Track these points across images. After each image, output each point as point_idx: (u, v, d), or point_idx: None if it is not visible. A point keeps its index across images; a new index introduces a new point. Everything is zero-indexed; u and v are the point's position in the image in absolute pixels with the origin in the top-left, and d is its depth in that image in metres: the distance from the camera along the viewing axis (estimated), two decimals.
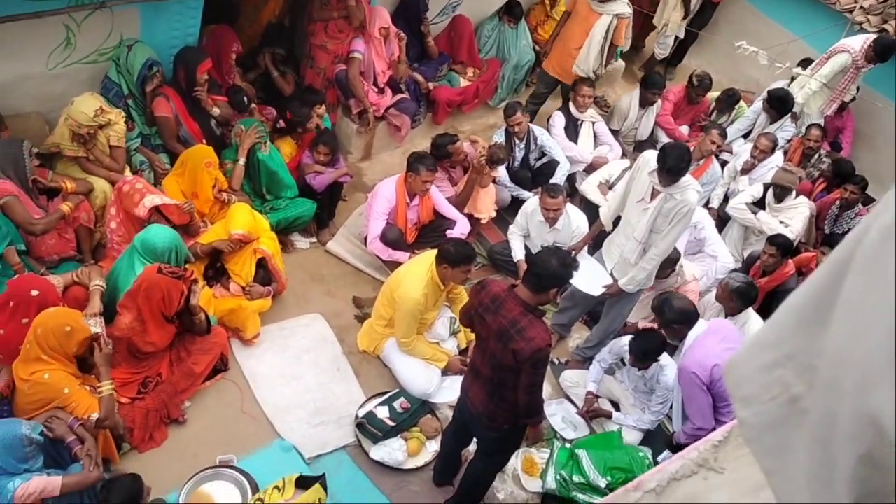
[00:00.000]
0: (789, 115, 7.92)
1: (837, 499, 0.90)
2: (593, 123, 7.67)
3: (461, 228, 6.28)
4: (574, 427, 5.61)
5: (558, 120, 7.53)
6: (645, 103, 7.91)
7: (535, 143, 7.14)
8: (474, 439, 4.75)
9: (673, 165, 4.84)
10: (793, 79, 8.03)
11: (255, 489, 4.40)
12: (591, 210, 6.42)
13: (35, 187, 5.20)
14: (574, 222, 6.23)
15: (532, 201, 6.40)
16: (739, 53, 7.32)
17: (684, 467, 1.56)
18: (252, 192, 6.21)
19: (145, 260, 4.89)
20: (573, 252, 5.74)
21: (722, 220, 7.23)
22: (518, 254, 6.39)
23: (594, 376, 5.71)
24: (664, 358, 5.39)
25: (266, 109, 6.65)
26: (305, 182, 6.33)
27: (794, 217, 6.81)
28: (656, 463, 5.14)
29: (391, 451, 5.09)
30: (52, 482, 3.90)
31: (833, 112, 8.02)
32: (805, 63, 8.21)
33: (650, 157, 5.06)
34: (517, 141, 7.06)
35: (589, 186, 6.91)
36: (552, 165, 7.15)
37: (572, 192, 7.13)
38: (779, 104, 7.81)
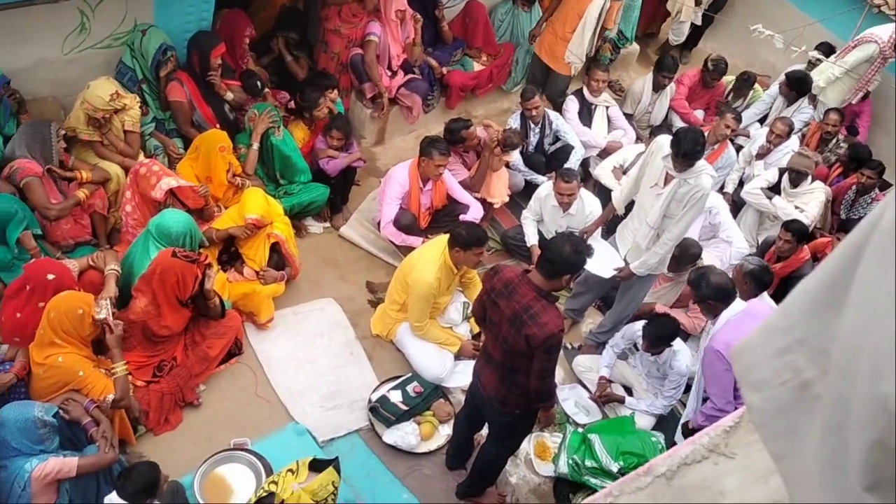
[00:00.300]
0: (807, 97, 7.86)
1: (849, 484, 0.90)
2: (607, 108, 7.63)
3: (474, 213, 6.28)
4: (587, 412, 5.62)
5: (572, 104, 7.49)
6: (657, 87, 7.86)
7: (549, 127, 7.11)
8: (486, 424, 4.76)
9: (688, 150, 4.80)
10: (810, 63, 7.96)
11: (269, 472, 4.43)
12: (604, 195, 6.39)
13: (51, 175, 5.24)
14: (588, 207, 6.21)
15: (546, 186, 6.38)
16: (755, 37, 7.23)
17: (695, 452, 1.56)
18: (266, 177, 6.22)
19: (160, 244, 4.92)
20: (585, 235, 5.73)
21: (736, 205, 7.18)
22: (531, 239, 6.38)
23: (607, 361, 5.71)
24: (677, 343, 5.38)
25: (279, 94, 6.64)
26: (319, 167, 6.33)
27: (809, 202, 6.76)
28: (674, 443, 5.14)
29: (404, 434, 5.12)
30: (68, 463, 3.95)
31: (858, 101, 7.94)
32: (822, 47, 8.13)
33: (664, 142, 5.02)
34: (532, 125, 7.03)
35: (603, 171, 6.88)
36: (566, 150, 7.11)
37: (586, 176, 7.10)
38: (797, 85, 7.76)
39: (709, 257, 6.16)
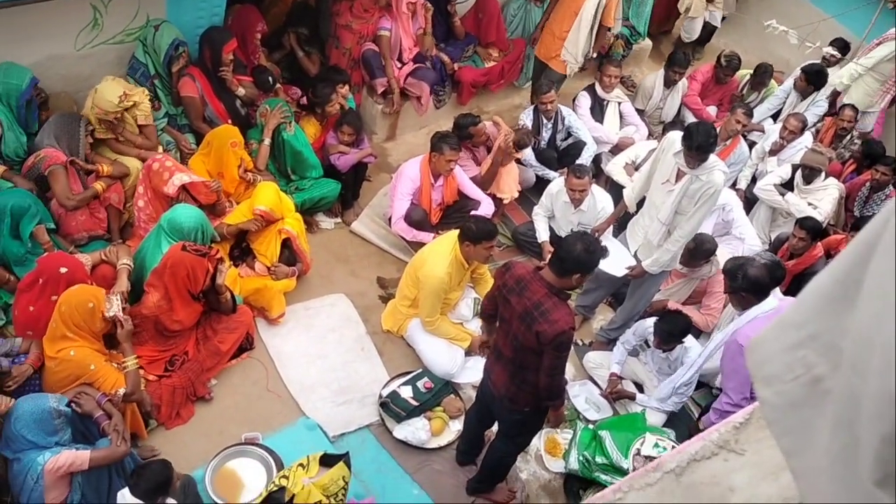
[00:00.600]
0: (822, 90, 7.83)
1: (859, 480, 0.89)
2: (619, 104, 7.61)
3: (485, 209, 6.27)
4: (597, 408, 5.61)
5: (584, 100, 7.47)
6: (669, 82, 7.83)
7: (562, 123, 7.10)
8: (496, 421, 4.76)
9: (701, 142, 4.76)
10: (824, 59, 7.92)
11: (279, 467, 4.45)
12: (616, 191, 6.37)
13: (73, 167, 5.29)
14: (599, 203, 6.19)
15: (557, 182, 6.37)
16: (769, 33, 7.21)
17: (704, 448, 1.56)
18: (277, 173, 6.24)
19: (172, 239, 4.94)
20: (597, 233, 5.71)
21: (749, 202, 7.15)
22: (542, 235, 6.37)
23: (618, 358, 5.70)
24: (689, 340, 5.37)
25: (291, 89, 6.65)
26: (330, 162, 6.34)
27: (822, 199, 6.72)
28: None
29: (414, 430, 5.12)
30: (80, 456, 3.97)
31: (887, 105, 7.90)
32: (837, 43, 8.08)
33: (675, 139, 5.00)
34: (545, 121, 7.02)
35: (615, 167, 6.87)
36: (578, 146, 7.10)
37: (598, 173, 7.08)
38: (815, 78, 7.74)
39: (721, 254, 6.13)
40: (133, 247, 5.27)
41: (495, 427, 4.85)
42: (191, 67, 5.91)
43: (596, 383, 5.78)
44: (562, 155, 7.16)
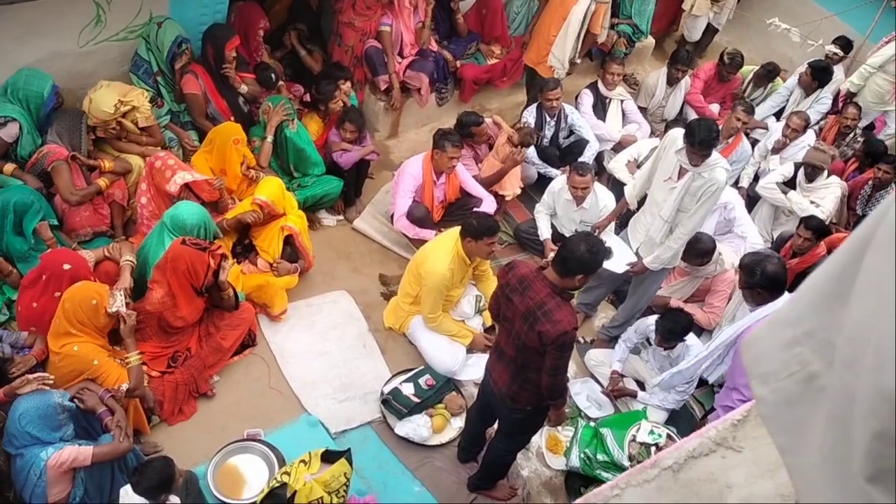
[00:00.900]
0: (826, 87, 7.82)
1: (852, 476, 0.90)
2: (622, 101, 7.61)
3: (488, 206, 6.27)
4: (599, 406, 5.61)
5: (586, 98, 7.47)
6: (672, 80, 7.83)
7: (565, 121, 7.09)
8: (496, 419, 4.76)
9: (704, 138, 4.76)
10: (827, 56, 7.92)
11: (281, 463, 4.45)
12: (618, 189, 6.37)
13: (76, 162, 5.31)
14: (601, 201, 6.19)
15: (559, 180, 6.37)
16: (771, 30, 7.20)
17: (702, 445, 1.56)
18: (280, 170, 6.24)
19: (174, 235, 4.95)
20: (598, 230, 5.72)
21: (751, 200, 7.14)
22: (544, 232, 6.37)
23: (619, 355, 5.70)
24: (690, 338, 5.37)
25: (293, 87, 6.66)
26: (332, 160, 6.34)
27: (825, 197, 6.72)
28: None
29: (416, 427, 5.13)
30: (83, 451, 3.98)
31: None
32: (840, 41, 8.07)
33: (677, 136, 5.00)
34: (548, 118, 7.01)
35: (617, 165, 6.86)
36: (581, 144, 7.10)
37: (600, 170, 7.08)
38: (821, 75, 7.74)
39: (723, 249, 6.13)
40: (136, 243, 5.29)
41: (496, 425, 4.85)
42: (194, 64, 5.92)
43: (597, 381, 5.79)
44: (564, 153, 7.15)
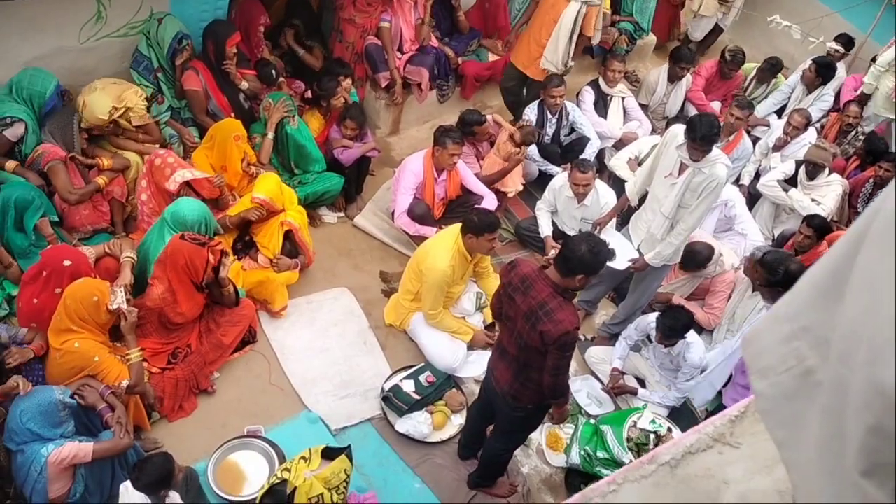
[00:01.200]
0: (829, 84, 7.82)
1: (847, 471, 0.90)
2: (623, 99, 7.60)
3: (488, 204, 6.27)
4: (599, 403, 5.62)
5: (588, 95, 7.46)
6: (673, 78, 7.82)
7: (566, 118, 7.09)
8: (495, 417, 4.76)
9: (705, 133, 4.76)
10: (828, 54, 7.91)
11: (282, 459, 4.46)
12: (619, 186, 6.37)
13: (74, 162, 5.31)
14: (602, 198, 6.19)
15: (561, 177, 6.37)
16: (772, 28, 7.19)
17: (700, 441, 1.56)
18: (280, 166, 6.24)
19: (175, 232, 4.95)
20: (599, 227, 5.72)
21: (752, 198, 7.14)
22: (545, 230, 6.37)
23: (620, 353, 5.70)
24: (691, 335, 5.37)
25: (294, 83, 6.66)
26: (333, 156, 6.34)
27: (826, 195, 6.71)
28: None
29: (416, 424, 5.14)
30: (83, 448, 3.99)
31: None
32: (841, 38, 8.07)
33: (678, 132, 5.00)
34: (549, 116, 7.01)
35: (618, 162, 6.86)
36: (582, 142, 7.09)
37: (601, 168, 7.08)
38: (825, 71, 7.73)
39: (724, 250, 6.14)
40: (136, 240, 5.29)
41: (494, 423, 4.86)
42: (194, 61, 5.92)
43: (598, 378, 5.79)
44: (565, 150, 7.15)
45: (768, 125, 7.76)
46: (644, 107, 7.88)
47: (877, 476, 0.86)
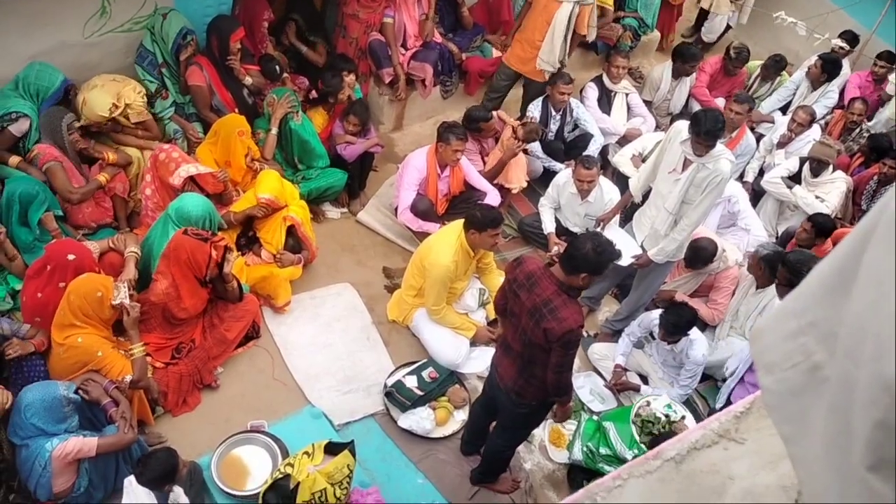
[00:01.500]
0: (834, 81, 7.81)
1: (853, 466, 0.90)
2: (627, 95, 7.59)
3: (492, 200, 6.27)
4: (602, 399, 5.62)
5: (591, 91, 7.45)
6: (677, 74, 7.80)
7: (570, 115, 7.08)
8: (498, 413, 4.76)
9: (710, 128, 4.76)
10: (833, 51, 7.90)
11: (285, 454, 4.46)
12: (623, 183, 6.36)
13: (76, 155, 5.31)
14: (606, 195, 6.19)
15: (564, 173, 6.37)
16: (777, 24, 7.17)
17: (705, 437, 1.57)
18: (284, 162, 6.25)
19: (178, 227, 4.95)
20: (602, 223, 5.72)
21: (756, 194, 7.13)
22: (548, 226, 6.37)
23: (623, 349, 5.70)
24: (694, 332, 5.36)
25: (298, 79, 6.65)
26: (336, 152, 6.34)
27: (830, 192, 6.70)
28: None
29: (419, 419, 5.14)
30: (87, 443, 4.00)
31: None
32: (846, 35, 8.05)
33: (682, 127, 5.00)
34: (553, 112, 7.00)
35: (622, 159, 6.85)
36: (585, 138, 7.09)
37: (604, 164, 7.07)
38: (830, 68, 7.72)
39: (727, 246, 6.14)
40: (140, 235, 5.30)
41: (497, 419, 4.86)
42: (198, 56, 5.92)
43: (601, 375, 5.79)
44: (569, 147, 7.15)
45: (773, 122, 7.75)
46: (648, 103, 7.87)
47: (883, 471, 0.86)
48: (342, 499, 3.91)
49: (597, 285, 6.07)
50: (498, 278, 5.61)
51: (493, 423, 4.90)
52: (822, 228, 6.09)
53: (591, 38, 7.50)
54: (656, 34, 9.02)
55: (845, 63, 8.10)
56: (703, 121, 4.76)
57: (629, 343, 5.72)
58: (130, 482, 3.91)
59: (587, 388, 5.66)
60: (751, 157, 7.30)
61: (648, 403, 5.05)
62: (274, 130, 6.00)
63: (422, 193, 6.14)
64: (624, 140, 7.34)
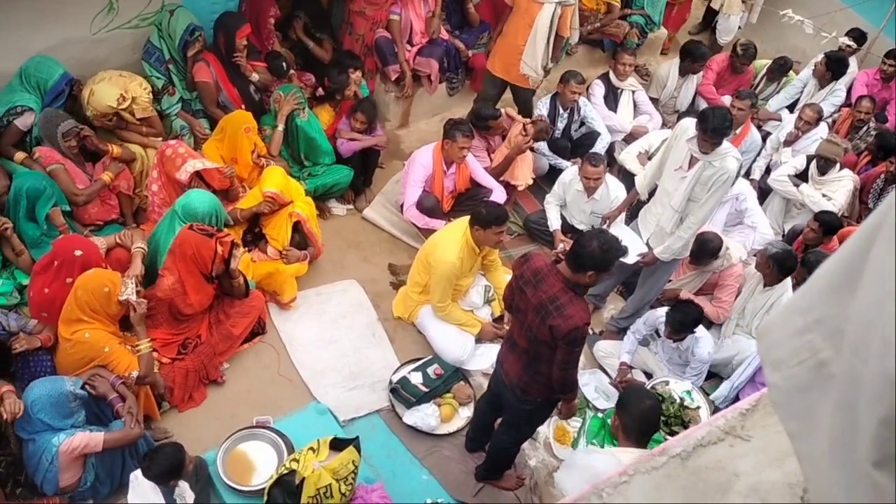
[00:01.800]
0: (841, 80, 7.78)
1: (859, 462, 0.90)
2: (633, 92, 7.58)
3: (498, 197, 6.27)
4: (606, 397, 5.61)
5: (598, 89, 7.45)
6: (684, 71, 7.79)
7: (577, 113, 7.07)
8: (503, 410, 4.76)
9: (717, 125, 4.75)
10: (840, 49, 7.87)
11: (290, 450, 4.47)
12: (629, 180, 6.35)
13: (81, 149, 5.32)
14: (612, 192, 6.18)
15: (570, 171, 6.37)
16: (784, 22, 7.15)
17: (710, 434, 1.57)
18: (290, 159, 6.26)
19: (185, 223, 4.96)
20: (608, 220, 5.71)
21: (763, 192, 7.12)
22: (554, 223, 6.37)
23: (628, 347, 5.70)
24: (699, 330, 5.36)
25: (305, 76, 6.66)
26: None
27: (837, 190, 6.69)
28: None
29: (424, 416, 5.15)
30: (94, 438, 4.02)
31: None
32: (853, 33, 8.02)
33: (688, 125, 4.99)
34: (561, 111, 6.99)
35: (628, 156, 6.84)
36: (592, 136, 7.08)
37: (611, 161, 7.06)
38: (836, 66, 7.70)
39: (731, 243, 6.13)
40: (147, 231, 5.31)
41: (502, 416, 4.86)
42: (206, 52, 5.93)
43: (606, 372, 5.79)
44: (575, 145, 7.14)
45: (780, 120, 7.73)
46: (654, 101, 7.86)
47: (888, 467, 0.86)
48: (347, 494, 3.92)
49: (602, 283, 6.06)
50: (503, 275, 5.62)
51: (499, 420, 4.92)
52: (828, 227, 6.09)
53: (575, 40, 7.47)
54: (663, 31, 9.00)
55: (853, 61, 8.07)
56: (711, 118, 4.76)
57: (634, 341, 5.72)
58: (137, 476, 3.92)
59: (592, 385, 5.65)
60: (756, 155, 7.28)
61: (667, 383, 5.05)
62: (280, 127, 6.01)
63: (428, 190, 6.14)
64: (630, 137, 7.32)
